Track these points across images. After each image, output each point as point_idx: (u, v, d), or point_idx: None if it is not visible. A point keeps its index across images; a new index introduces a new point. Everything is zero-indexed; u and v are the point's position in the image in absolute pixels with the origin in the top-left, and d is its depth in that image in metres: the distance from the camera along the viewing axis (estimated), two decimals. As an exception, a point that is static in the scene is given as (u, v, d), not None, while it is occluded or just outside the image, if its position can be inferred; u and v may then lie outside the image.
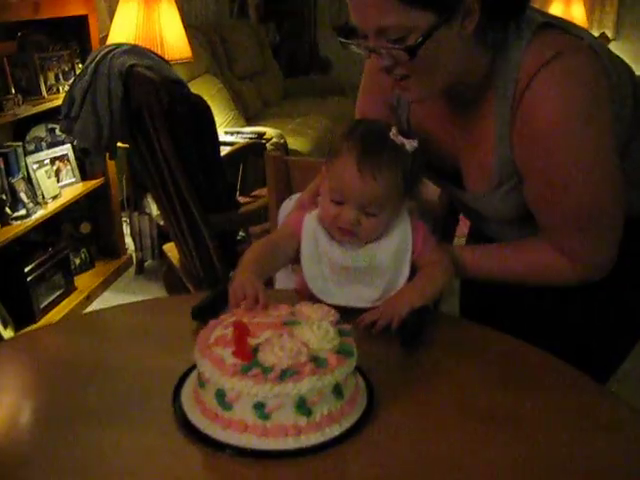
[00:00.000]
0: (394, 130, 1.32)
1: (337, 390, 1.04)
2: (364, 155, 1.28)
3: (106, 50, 2.62)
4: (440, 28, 1.14)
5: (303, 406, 1.00)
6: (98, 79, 2.58)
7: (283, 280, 1.76)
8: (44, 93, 3.43)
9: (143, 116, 2.56)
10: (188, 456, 1.03)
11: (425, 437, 1.06)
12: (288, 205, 1.77)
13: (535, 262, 1.38)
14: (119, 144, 2.88)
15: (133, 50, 2.61)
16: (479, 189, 1.39)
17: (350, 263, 1.36)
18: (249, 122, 5.22)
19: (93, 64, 2.60)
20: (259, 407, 1.00)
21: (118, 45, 2.69)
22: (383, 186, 1.29)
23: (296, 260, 1.42)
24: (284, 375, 0.99)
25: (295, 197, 1.77)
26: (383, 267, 1.37)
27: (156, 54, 2.74)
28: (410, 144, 1.32)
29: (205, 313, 1.34)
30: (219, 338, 1.09)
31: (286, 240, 1.41)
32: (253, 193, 3.30)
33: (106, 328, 1.48)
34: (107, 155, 3.08)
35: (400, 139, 1.31)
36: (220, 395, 1.02)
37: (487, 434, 1.07)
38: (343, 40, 1.26)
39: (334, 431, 1.03)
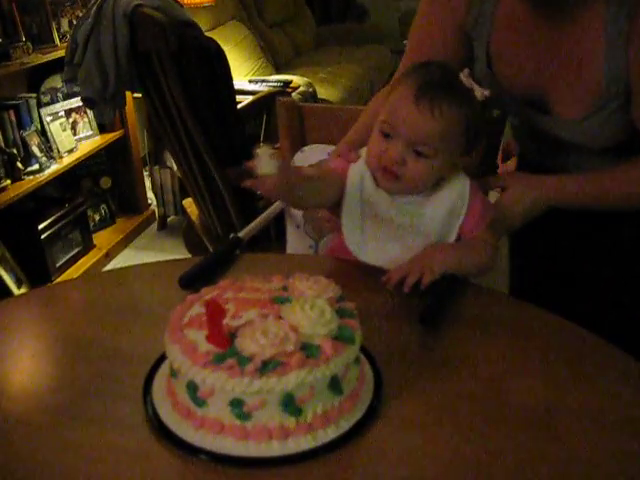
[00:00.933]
0: (466, 71, 1.19)
1: (334, 384, 0.85)
2: (426, 87, 1.15)
3: (110, -11, 2.43)
4: None
5: (290, 404, 0.83)
6: (102, 22, 2.38)
7: (293, 243, 1.58)
8: (57, 41, 3.26)
9: (152, 61, 2.38)
10: (158, 459, 0.86)
11: (442, 438, 0.87)
12: (300, 158, 1.59)
13: None
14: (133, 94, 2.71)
15: (139, -11, 2.41)
16: (575, 113, 1.27)
17: (394, 216, 1.22)
18: (279, 71, 5.01)
19: (96, 6, 2.40)
20: (236, 405, 0.82)
21: (123, -16, 2.49)
22: (440, 124, 1.15)
23: (332, 209, 1.27)
24: (265, 367, 0.81)
25: (308, 149, 1.60)
26: (429, 228, 1.23)
27: (166, -7, 2.53)
28: (481, 92, 1.19)
29: (194, 282, 1.19)
30: (194, 318, 0.91)
31: (331, 182, 1.24)
32: (277, 145, 3.10)
33: (81, 300, 1.29)
34: (124, 104, 2.91)
35: (471, 82, 1.18)
36: (192, 389, 0.85)
37: (517, 435, 0.88)
38: None
39: (329, 434, 0.85)
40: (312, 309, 0.86)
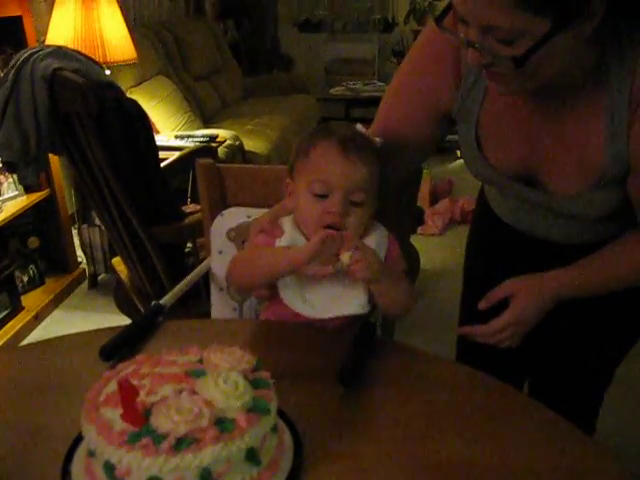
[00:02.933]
0: (359, 125, 1.29)
1: (251, 456, 0.86)
2: (345, 140, 1.23)
3: (28, 53, 2.41)
4: (555, 36, 1.01)
5: (208, 479, 0.82)
6: (20, 85, 2.37)
7: (218, 305, 1.58)
8: (-23, 102, 3.20)
9: (73, 124, 2.37)
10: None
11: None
12: (220, 222, 1.59)
13: None
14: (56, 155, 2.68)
15: (58, 52, 2.40)
16: (570, 191, 1.28)
17: (333, 268, 1.22)
18: (207, 124, 5.02)
19: (14, 69, 2.39)
20: (155, 483, 0.81)
21: (41, 47, 2.48)
22: (368, 169, 1.23)
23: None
24: (180, 445, 0.81)
25: (227, 212, 1.59)
26: None
27: (85, 55, 2.53)
28: (377, 140, 1.28)
29: (115, 353, 1.19)
30: (110, 396, 0.90)
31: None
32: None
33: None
34: (48, 166, 2.89)
35: (367, 132, 1.29)
36: (109, 468, 0.85)
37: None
38: (441, 25, 1.14)
39: (249, 506, 0.85)
40: (226, 382, 0.87)
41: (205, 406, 0.84)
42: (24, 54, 2.43)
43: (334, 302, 1.26)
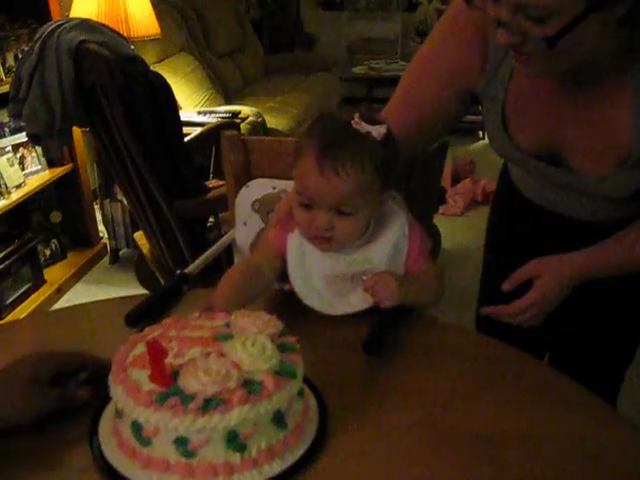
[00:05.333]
0: (356, 118, 1.16)
1: (278, 419, 0.86)
2: (323, 151, 1.13)
3: (54, 25, 2.41)
4: (588, 16, 0.98)
5: (235, 440, 0.84)
6: (46, 57, 2.37)
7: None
8: (2, 75, 3.22)
9: (98, 97, 2.38)
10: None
11: (388, 469, 0.89)
12: (245, 194, 1.59)
13: None
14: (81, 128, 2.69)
15: (83, 25, 2.40)
16: (597, 172, 1.26)
17: (346, 270, 1.24)
18: (228, 101, 5.02)
19: (40, 41, 2.40)
20: (181, 443, 0.83)
21: (67, 20, 2.49)
22: (350, 182, 1.14)
23: (282, 279, 1.27)
24: (208, 405, 0.82)
25: (253, 184, 1.60)
26: (382, 268, 1.23)
27: (111, 29, 2.53)
28: (377, 131, 1.15)
29: (141, 319, 1.20)
30: (138, 357, 0.91)
31: (270, 261, 1.26)
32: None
33: (27, 341, 1.28)
34: (71, 140, 2.90)
35: (364, 127, 1.15)
36: (137, 428, 0.86)
37: (462, 462, 0.90)
38: (471, 3, 1.10)
39: (274, 468, 0.86)
40: (253, 345, 0.87)
41: (233, 368, 0.85)
42: (50, 27, 2.43)
43: (346, 299, 1.25)
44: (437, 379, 1.07)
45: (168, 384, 0.84)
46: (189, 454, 0.83)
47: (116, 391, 0.87)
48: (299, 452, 0.88)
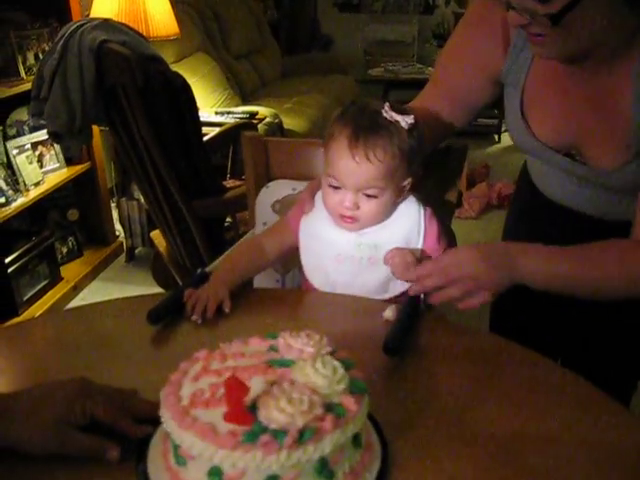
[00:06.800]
0: (387, 107, 1.25)
1: (357, 439, 0.84)
2: (355, 137, 1.22)
3: (75, 25, 2.44)
4: None
5: (325, 468, 0.79)
6: (68, 57, 2.40)
7: (260, 277, 1.60)
8: (22, 74, 3.25)
9: (118, 96, 2.39)
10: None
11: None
12: (265, 194, 1.61)
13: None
14: (100, 127, 2.71)
15: (105, 25, 2.43)
16: (610, 161, 1.28)
17: (354, 252, 1.30)
18: (245, 102, 5.04)
19: (62, 41, 2.42)
20: (271, 482, 0.80)
21: (89, 20, 2.51)
22: (379, 167, 1.23)
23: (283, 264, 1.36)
24: (303, 437, 0.76)
25: (273, 184, 1.61)
26: None
27: (131, 29, 2.55)
28: (405, 120, 1.24)
29: (163, 317, 1.23)
30: (194, 396, 0.83)
31: (275, 241, 1.38)
32: (244, 176, 3.13)
33: (48, 338, 1.29)
34: (91, 138, 2.92)
35: (393, 116, 1.24)
36: (216, 474, 0.78)
37: (483, 462, 0.91)
38: None
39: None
40: (325, 367, 0.83)
41: (312, 394, 0.80)
42: (72, 26, 2.45)
43: (351, 285, 1.31)
44: (456, 381, 1.08)
45: (250, 421, 0.78)
46: (278, 491, 0.79)
47: (186, 436, 0.78)
48: (375, 469, 0.86)
